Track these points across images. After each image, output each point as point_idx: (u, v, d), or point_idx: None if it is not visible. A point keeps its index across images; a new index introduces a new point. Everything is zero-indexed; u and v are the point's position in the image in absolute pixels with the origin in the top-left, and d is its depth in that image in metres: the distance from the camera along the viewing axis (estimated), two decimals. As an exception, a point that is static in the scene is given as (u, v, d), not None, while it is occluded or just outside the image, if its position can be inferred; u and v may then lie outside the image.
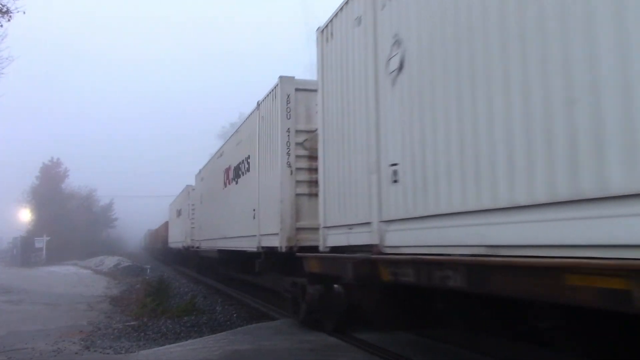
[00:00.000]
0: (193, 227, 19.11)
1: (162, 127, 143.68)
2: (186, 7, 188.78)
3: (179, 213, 24.81)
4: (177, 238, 24.56)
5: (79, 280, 20.70)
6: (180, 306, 10.83)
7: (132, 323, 9.55)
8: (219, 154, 13.95)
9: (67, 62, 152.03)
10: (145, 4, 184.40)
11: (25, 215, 48.74)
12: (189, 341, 7.49)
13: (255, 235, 9.31)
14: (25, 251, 39.68)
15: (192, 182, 22.89)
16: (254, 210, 9.46)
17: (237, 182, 11.27)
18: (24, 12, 13.88)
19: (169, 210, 31.67)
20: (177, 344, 7.27)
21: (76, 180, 55.45)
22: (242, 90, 67.41)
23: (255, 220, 9.38)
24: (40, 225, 44.59)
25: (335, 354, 5.81)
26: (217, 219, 13.56)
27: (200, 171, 17.90)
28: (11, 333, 8.47)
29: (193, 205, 19.39)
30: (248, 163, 10.25)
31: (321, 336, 6.82)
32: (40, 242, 40.29)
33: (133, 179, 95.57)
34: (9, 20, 13.84)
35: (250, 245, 9.53)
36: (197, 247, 17.57)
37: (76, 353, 6.89)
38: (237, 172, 11.31)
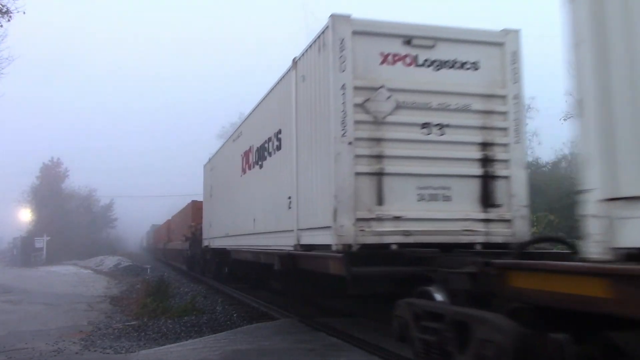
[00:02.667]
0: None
1: (161, 127, 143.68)
2: (186, 6, 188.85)
3: (259, 159, 9.59)
4: (255, 224, 9.61)
5: (79, 280, 20.70)
6: (181, 306, 10.83)
7: (133, 323, 9.55)
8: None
9: (68, 62, 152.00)
10: (145, 3, 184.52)
11: (25, 215, 48.74)
12: (189, 341, 7.50)
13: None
14: (25, 251, 39.69)
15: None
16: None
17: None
18: (24, 12, 13.90)
19: (204, 175, 16.92)
20: (177, 344, 7.28)
21: (76, 180, 55.38)
22: (242, 90, 67.30)
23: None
24: (40, 225, 44.59)
25: (335, 353, 5.82)
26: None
27: None
28: (11, 333, 8.47)
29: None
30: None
31: (321, 336, 6.84)
32: (41, 242, 40.31)
33: (133, 179, 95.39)
34: (9, 20, 13.85)
35: None
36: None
37: (76, 353, 6.89)
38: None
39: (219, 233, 13.64)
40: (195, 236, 18.63)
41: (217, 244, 14.19)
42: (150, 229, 54.12)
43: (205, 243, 16.23)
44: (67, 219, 49.09)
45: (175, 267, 26.81)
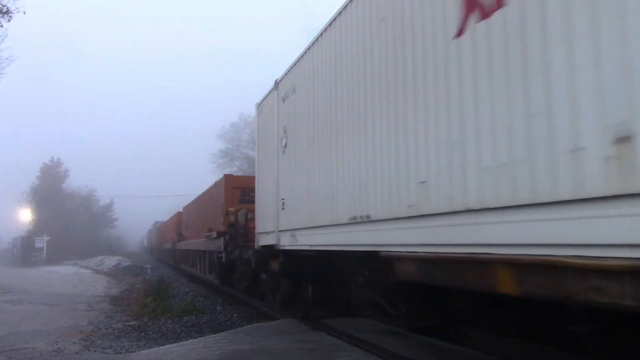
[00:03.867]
0: None
1: (161, 127, 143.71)
2: (186, 7, 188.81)
3: None
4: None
5: (79, 280, 20.70)
6: (181, 306, 10.83)
7: (132, 323, 9.55)
8: None
9: (68, 62, 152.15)
10: (146, 4, 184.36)
11: (25, 215, 48.80)
12: (189, 341, 7.49)
13: None
14: (25, 251, 39.77)
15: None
16: None
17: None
18: (24, 12, 13.90)
19: (259, 121, 9.68)
20: (177, 344, 7.28)
21: (76, 180, 55.47)
22: (242, 90, 67.37)
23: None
24: (40, 225, 44.64)
25: (335, 353, 5.81)
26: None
27: None
28: (11, 333, 8.48)
29: None
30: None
31: (321, 336, 6.84)
32: (41, 242, 40.37)
33: (133, 179, 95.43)
34: (9, 20, 13.85)
35: None
36: None
37: (76, 353, 6.89)
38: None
39: (320, 218, 6.44)
40: (237, 229, 11.43)
41: (310, 241, 6.86)
42: (153, 227, 50.47)
43: (265, 241, 8.94)
44: (67, 219, 49.14)
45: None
